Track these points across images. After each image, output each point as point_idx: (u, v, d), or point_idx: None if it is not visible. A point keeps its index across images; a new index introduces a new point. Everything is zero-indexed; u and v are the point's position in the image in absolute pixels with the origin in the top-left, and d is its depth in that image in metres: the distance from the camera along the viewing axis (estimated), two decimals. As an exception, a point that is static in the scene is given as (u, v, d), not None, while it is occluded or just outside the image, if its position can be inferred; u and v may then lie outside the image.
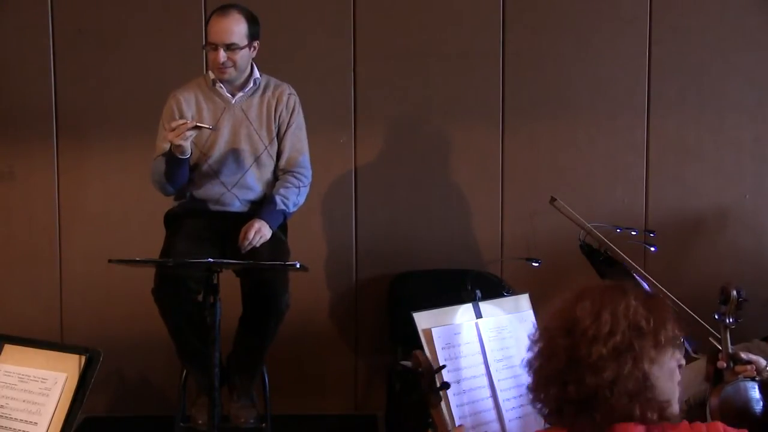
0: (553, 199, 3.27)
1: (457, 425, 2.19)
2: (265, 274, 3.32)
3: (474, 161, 4.22)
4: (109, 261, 3.09)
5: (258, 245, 3.32)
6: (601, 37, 4.19)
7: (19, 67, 4.17)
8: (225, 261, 3.22)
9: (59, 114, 4.18)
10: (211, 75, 3.46)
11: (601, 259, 3.33)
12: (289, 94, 3.53)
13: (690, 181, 4.22)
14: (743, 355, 2.80)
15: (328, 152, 4.18)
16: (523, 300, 2.71)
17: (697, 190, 4.24)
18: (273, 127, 3.48)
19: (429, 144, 4.23)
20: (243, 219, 3.41)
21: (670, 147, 4.23)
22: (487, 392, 2.46)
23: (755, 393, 2.75)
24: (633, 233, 3.52)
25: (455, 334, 2.47)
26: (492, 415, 2.41)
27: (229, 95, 3.47)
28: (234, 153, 3.45)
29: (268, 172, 3.52)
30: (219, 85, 3.45)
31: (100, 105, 4.18)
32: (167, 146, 3.30)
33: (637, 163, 4.23)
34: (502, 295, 2.74)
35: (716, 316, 3.09)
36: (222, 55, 3.33)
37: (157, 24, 4.16)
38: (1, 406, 2.25)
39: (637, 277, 3.22)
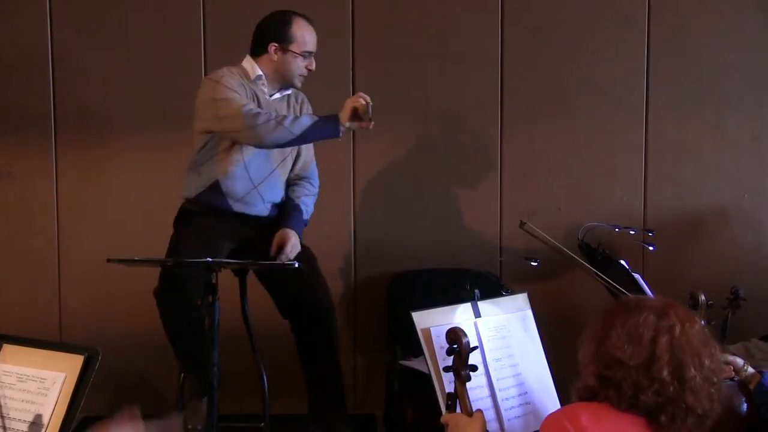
0: (522, 224, 3.26)
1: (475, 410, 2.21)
2: (316, 293, 3.34)
3: (473, 161, 4.22)
4: (108, 260, 3.09)
5: (292, 257, 3.33)
6: (600, 37, 4.19)
7: (19, 67, 4.17)
8: (225, 261, 3.23)
9: (58, 114, 4.18)
10: (252, 70, 3.41)
11: (599, 259, 3.34)
12: (308, 104, 3.58)
13: (688, 180, 4.23)
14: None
15: (328, 152, 4.18)
16: (522, 299, 2.71)
17: (696, 190, 4.24)
18: None
19: (428, 144, 4.23)
20: (264, 225, 3.40)
21: (669, 146, 4.23)
22: (486, 391, 2.46)
23: (736, 393, 2.75)
24: (632, 232, 3.52)
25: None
26: (491, 414, 2.41)
27: (267, 93, 3.45)
28: (270, 153, 3.42)
29: (287, 176, 3.53)
30: (263, 82, 3.43)
31: (99, 105, 4.18)
32: (246, 102, 3.22)
33: (635, 162, 4.23)
34: (501, 295, 2.74)
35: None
36: (313, 63, 3.40)
37: (157, 24, 4.16)
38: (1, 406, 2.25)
39: (637, 277, 3.23)
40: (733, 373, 2.75)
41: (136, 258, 3.27)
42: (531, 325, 2.68)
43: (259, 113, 3.19)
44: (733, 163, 4.22)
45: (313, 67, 3.42)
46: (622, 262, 3.26)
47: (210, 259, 3.03)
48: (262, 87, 3.44)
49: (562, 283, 4.18)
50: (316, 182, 3.61)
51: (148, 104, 4.18)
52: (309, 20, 3.43)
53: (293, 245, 3.35)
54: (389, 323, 4.14)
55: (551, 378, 2.62)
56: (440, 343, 2.41)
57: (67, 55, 4.16)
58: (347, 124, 3.15)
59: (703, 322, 2.88)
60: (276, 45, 3.39)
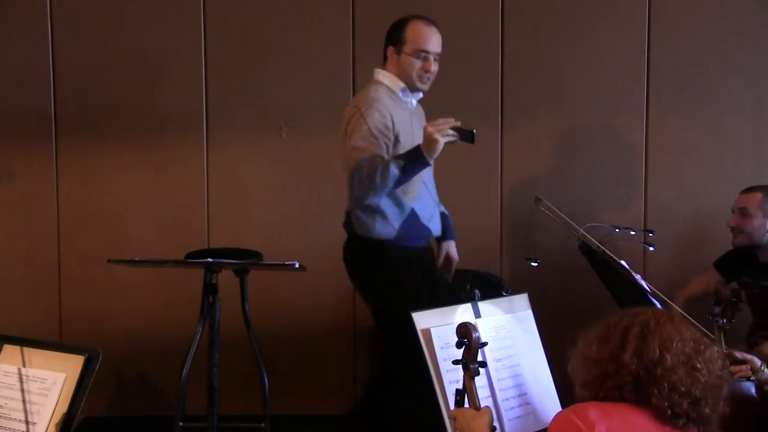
0: (538, 200, 3.27)
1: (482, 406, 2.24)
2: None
3: (473, 161, 4.22)
4: (109, 261, 3.09)
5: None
6: (600, 37, 4.19)
7: (19, 68, 4.17)
8: (225, 261, 3.22)
9: (58, 114, 4.18)
10: (394, 83, 3.37)
11: (599, 259, 3.33)
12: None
13: (689, 180, 4.22)
14: (738, 355, 2.81)
15: (328, 152, 4.18)
16: (522, 300, 2.71)
17: (696, 190, 4.24)
18: None
19: (428, 144, 4.22)
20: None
21: (669, 147, 4.23)
22: (486, 392, 2.46)
23: (752, 393, 2.75)
24: (632, 233, 3.52)
25: (454, 333, 2.46)
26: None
27: (410, 103, 3.43)
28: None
29: None
30: (407, 92, 3.39)
31: (99, 105, 4.18)
32: (379, 152, 3.19)
33: (636, 162, 4.23)
34: (502, 295, 2.74)
35: (709, 317, 3.10)
36: (434, 64, 3.35)
37: (157, 24, 4.16)
38: (1, 406, 2.25)
39: (637, 277, 3.22)
40: (750, 372, 2.75)
41: (136, 259, 3.27)
42: (531, 326, 2.68)
43: (362, 171, 3.18)
44: (733, 164, 4.22)
45: (432, 68, 3.34)
46: (623, 262, 3.25)
47: (210, 260, 3.03)
48: (405, 97, 3.40)
49: (562, 283, 4.18)
50: None
51: (147, 104, 4.18)
52: (429, 21, 3.38)
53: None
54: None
55: (551, 378, 2.62)
56: (440, 343, 2.41)
57: (67, 55, 4.16)
58: (440, 143, 3.09)
59: (723, 320, 2.91)
60: (392, 48, 3.38)
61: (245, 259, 3.44)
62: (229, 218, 4.22)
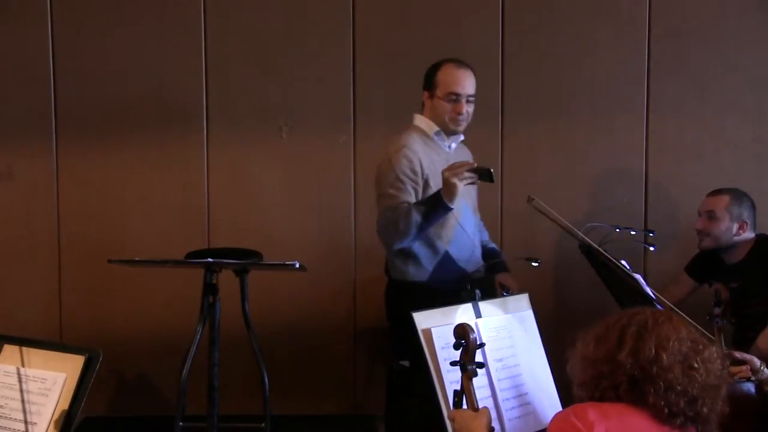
0: (530, 199, 3.28)
1: (480, 407, 2.24)
2: None
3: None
4: (109, 261, 3.09)
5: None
6: (600, 38, 4.19)
7: (19, 67, 4.17)
8: (225, 261, 3.23)
9: (58, 113, 4.18)
10: (430, 126, 3.40)
11: (599, 259, 3.33)
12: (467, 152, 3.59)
13: (689, 180, 4.22)
14: (738, 355, 2.81)
15: (328, 152, 4.19)
16: (523, 300, 2.72)
17: (697, 190, 4.23)
18: None
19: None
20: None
21: (670, 147, 4.23)
22: (487, 392, 2.46)
23: (752, 393, 2.75)
24: (632, 233, 3.52)
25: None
26: (491, 414, 2.40)
27: (447, 146, 3.45)
28: (466, 204, 3.41)
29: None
30: (442, 136, 3.42)
31: (99, 105, 4.18)
32: (405, 198, 3.24)
33: (636, 162, 4.23)
34: (502, 295, 2.74)
35: (709, 318, 3.10)
36: (465, 106, 3.36)
37: (157, 24, 4.16)
38: (1, 406, 2.25)
39: (638, 278, 3.22)
40: (750, 372, 2.75)
41: (136, 259, 3.27)
42: (531, 326, 2.68)
43: (386, 218, 3.25)
44: (733, 164, 4.22)
45: (463, 110, 3.35)
46: (623, 262, 3.25)
47: (210, 260, 3.03)
48: (440, 141, 3.42)
49: (563, 283, 4.18)
50: None
51: (148, 104, 4.18)
52: (461, 64, 3.40)
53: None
54: (389, 323, 4.13)
55: (551, 378, 2.63)
56: (441, 343, 2.41)
57: (67, 55, 4.16)
58: (458, 187, 3.11)
59: (723, 321, 2.91)
60: (426, 93, 3.42)
61: (245, 259, 3.44)
62: (229, 218, 4.22)
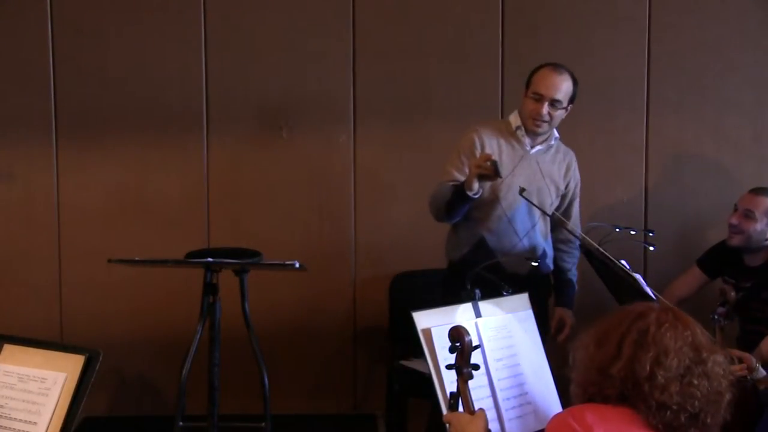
0: (522, 189, 3.29)
1: (476, 409, 2.22)
2: None
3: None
4: (109, 261, 3.09)
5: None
6: (600, 37, 4.19)
7: (19, 67, 4.17)
8: (225, 261, 3.23)
9: (59, 114, 4.18)
10: (515, 121, 3.44)
11: (598, 259, 3.33)
12: (576, 164, 3.57)
13: (689, 180, 4.23)
14: (735, 354, 2.81)
15: (328, 152, 4.19)
16: (523, 299, 2.71)
17: (697, 190, 4.24)
18: (561, 188, 3.48)
19: (428, 144, 4.23)
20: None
21: (670, 147, 4.23)
22: (487, 391, 2.46)
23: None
24: (632, 232, 3.52)
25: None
26: (491, 414, 2.41)
27: (528, 145, 3.45)
28: (525, 203, 3.39)
29: (548, 230, 3.54)
30: (522, 132, 3.43)
31: (99, 105, 4.18)
32: (458, 176, 3.31)
33: (636, 162, 4.23)
34: (502, 295, 2.74)
35: (713, 317, 3.10)
36: (545, 108, 3.34)
37: (157, 24, 4.16)
38: (1, 406, 2.25)
39: (638, 277, 3.22)
40: (746, 371, 2.75)
41: (136, 258, 3.27)
42: (531, 325, 2.67)
43: (433, 193, 3.36)
44: (733, 164, 4.22)
45: (542, 111, 3.34)
46: (623, 262, 3.25)
47: (210, 259, 3.03)
48: (521, 138, 3.43)
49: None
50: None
51: (148, 104, 4.18)
52: (556, 67, 3.40)
53: (571, 327, 3.50)
54: (389, 323, 4.13)
55: (552, 378, 2.62)
56: (441, 343, 2.41)
57: (67, 55, 4.16)
58: (475, 187, 3.17)
59: (723, 320, 2.90)
60: (524, 90, 3.45)
61: (245, 259, 3.44)
62: (229, 218, 4.22)
